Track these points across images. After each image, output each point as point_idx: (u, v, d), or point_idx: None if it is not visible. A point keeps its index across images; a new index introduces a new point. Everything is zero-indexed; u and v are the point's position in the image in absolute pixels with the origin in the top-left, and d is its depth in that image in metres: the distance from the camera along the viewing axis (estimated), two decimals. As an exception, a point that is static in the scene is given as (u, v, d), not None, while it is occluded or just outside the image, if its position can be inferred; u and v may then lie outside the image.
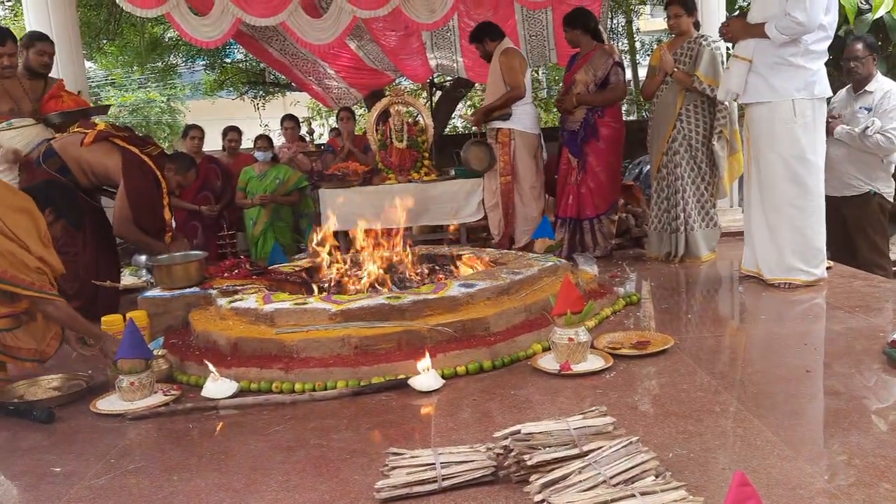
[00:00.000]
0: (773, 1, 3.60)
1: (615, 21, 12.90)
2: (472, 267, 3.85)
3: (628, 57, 14.09)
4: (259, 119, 13.48)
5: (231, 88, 13.32)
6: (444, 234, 5.92)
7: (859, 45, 4.49)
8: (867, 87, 4.48)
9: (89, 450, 2.35)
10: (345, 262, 3.94)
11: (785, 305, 3.53)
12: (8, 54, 4.21)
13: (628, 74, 13.57)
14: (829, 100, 4.93)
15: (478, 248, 4.65)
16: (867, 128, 4.34)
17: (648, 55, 13.07)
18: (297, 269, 3.99)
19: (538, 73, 14.61)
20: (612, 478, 1.70)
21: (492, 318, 3.03)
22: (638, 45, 15.04)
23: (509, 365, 2.86)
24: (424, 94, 12.30)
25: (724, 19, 5.36)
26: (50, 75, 4.57)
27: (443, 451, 1.95)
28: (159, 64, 13.12)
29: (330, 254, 3.91)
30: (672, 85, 4.63)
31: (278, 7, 5.65)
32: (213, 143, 7.18)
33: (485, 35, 5.26)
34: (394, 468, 1.90)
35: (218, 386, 2.72)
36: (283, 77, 10.35)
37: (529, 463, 1.80)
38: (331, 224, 4.34)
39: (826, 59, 3.72)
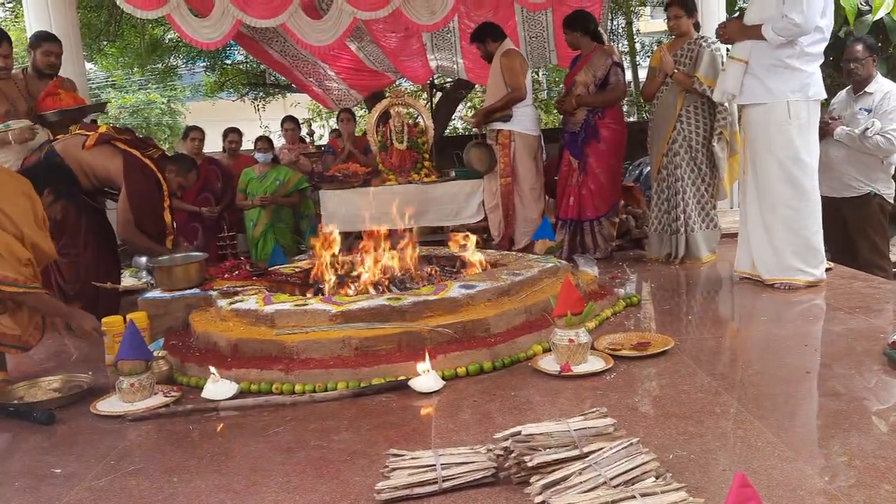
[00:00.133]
0: (770, 3, 3.60)
1: (615, 22, 12.91)
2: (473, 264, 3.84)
3: (628, 58, 14.10)
4: (259, 120, 13.49)
5: (231, 90, 13.34)
6: (445, 235, 5.92)
7: (859, 47, 4.50)
8: (867, 89, 4.49)
9: (89, 451, 2.35)
10: (345, 264, 3.94)
11: (785, 306, 3.53)
12: (2, 56, 4.20)
13: (629, 76, 13.58)
14: (829, 101, 4.94)
15: (478, 249, 4.65)
16: (867, 129, 4.34)
17: (648, 56, 13.08)
18: (297, 270, 4.00)
19: (538, 75, 14.62)
20: (612, 479, 1.70)
21: (492, 319, 3.03)
22: (638, 46, 15.05)
23: (510, 366, 2.86)
24: (425, 95, 12.31)
25: (724, 20, 5.35)
26: (59, 74, 4.57)
27: (443, 452, 1.95)
28: (160, 65, 13.12)
29: (330, 255, 3.91)
30: (672, 86, 4.63)
31: (278, 8, 5.66)
32: (213, 145, 7.18)
33: (486, 35, 5.27)
34: (394, 469, 1.90)
35: (218, 387, 2.72)
36: (283, 78, 10.36)
37: (530, 464, 1.80)
38: (331, 225, 4.35)
39: (821, 61, 3.73)
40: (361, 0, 5.70)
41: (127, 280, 4.95)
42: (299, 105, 14.71)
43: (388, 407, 2.54)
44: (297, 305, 3.10)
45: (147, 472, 2.15)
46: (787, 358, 2.78)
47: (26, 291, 2.88)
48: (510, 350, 2.93)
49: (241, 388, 2.76)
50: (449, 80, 10.89)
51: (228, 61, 12.68)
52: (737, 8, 7.86)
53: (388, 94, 6.72)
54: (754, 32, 3.68)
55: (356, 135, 7.21)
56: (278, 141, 7.45)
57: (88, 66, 11.46)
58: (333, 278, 3.75)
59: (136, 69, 13.47)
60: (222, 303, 3.30)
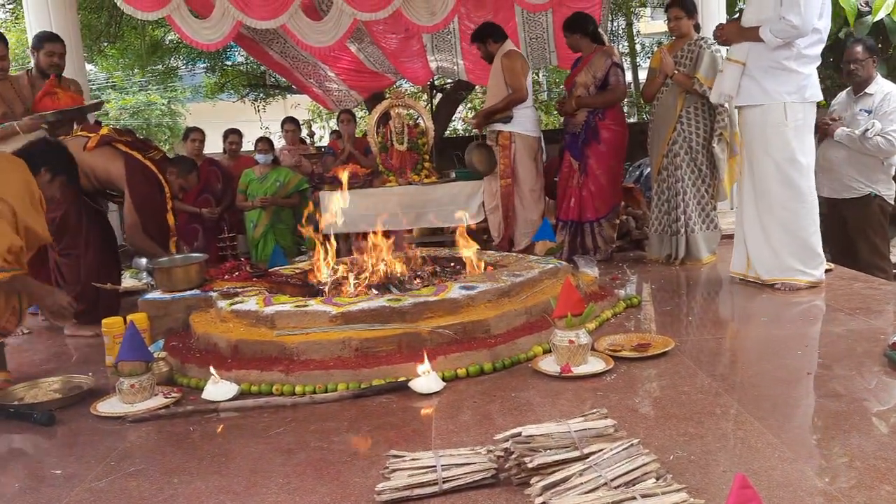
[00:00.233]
0: (767, 4, 3.61)
1: (615, 23, 12.92)
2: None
3: (629, 59, 14.10)
4: (259, 121, 13.50)
5: (231, 91, 13.34)
6: (445, 237, 5.93)
7: (859, 48, 4.50)
8: (867, 90, 4.49)
9: (90, 452, 2.35)
10: (344, 265, 3.94)
11: (785, 307, 3.53)
12: None
13: (629, 77, 13.58)
14: (829, 102, 4.95)
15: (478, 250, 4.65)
16: (867, 130, 4.34)
17: (649, 58, 13.08)
18: (297, 271, 4.00)
19: (538, 76, 14.63)
20: (612, 480, 1.69)
21: (492, 320, 3.03)
22: (638, 47, 15.05)
23: (510, 367, 2.87)
24: (425, 96, 12.32)
25: (721, 22, 5.36)
26: (63, 75, 4.58)
27: (443, 453, 1.95)
28: (160, 67, 13.13)
29: (329, 256, 3.91)
30: (672, 87, 4.63)
31: (279, 10, 5.66)
32: (213, 146, 7.18)
33: (488, 36, 5.26)
34: (394, 470, 1.90)
35: (218, 388, 2.72)
36: (283, 80, 10.36)
37: (530, 465, 1.80)
38: (331, 227, 4.35)
39: (818, 63, 3.74)
40: (362, 1, 5.70)
41: (127, 281, 4.95)
42: (299, 106, 14.72)
43: (389, 408, 2.54)
44: (297, 306, 3.10)
45: (147, 473, 2.15)
46: (787, 359, 2.78)
47: (13, 275, 2.90)
48: (510, 351, 2.93)
49: (241, 389, 2.76)
50: (449, 81, 10.89)
51: (229, 62, 12.68)
52: (737, 9, 7.87)
53: (388, 96, 6.72)
54: (752, 34, 3.69)
55: (356, 136, 7.21)
56: (278, 142, 7.45)
57: (89, 67, 11.45)
58: (333, 279, 3.75)
59: (136, 70, 13.48)
60: (222, 304, 3.30)
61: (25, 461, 2.38)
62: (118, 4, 5.47)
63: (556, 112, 8.47)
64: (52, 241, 4.01)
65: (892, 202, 4.56)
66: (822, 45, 3.72)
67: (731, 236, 5.14)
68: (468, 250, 3.88)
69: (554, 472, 1.77)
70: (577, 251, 5.00)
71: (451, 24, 7.09)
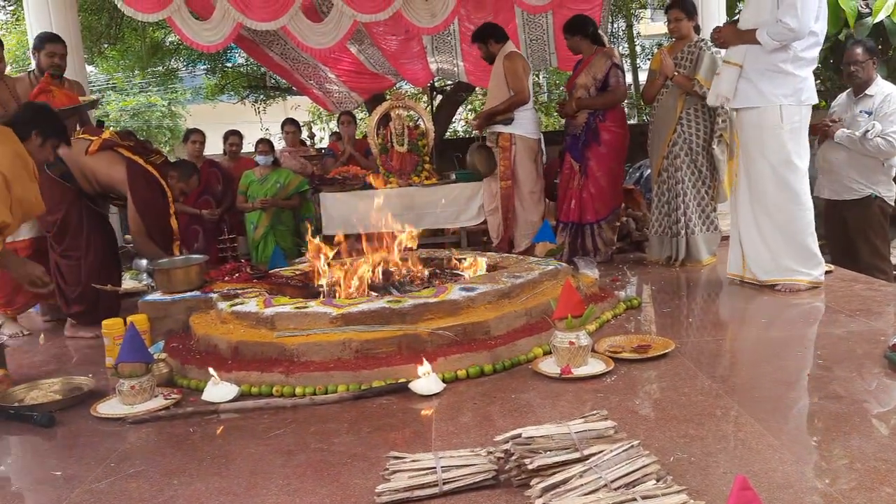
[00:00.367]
0: (764, 7, 3.62)
1: (616, 25, 12.93)
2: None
3: (629, 61, 14.11)
4: (260, 123, 13.51)
5: (232, 92, 13.34)
6: (445, 238, 5.93)
7: (859, 49, 4.50)
8: (867, 91, 4.49)
9: (90, 453, 2.35)
10: (344, 266, 3.94)
11: (785, 309, 3.53)
12: None
13: (629, 79, 13.59)
14: (829, 104, 4.95)
15: (479, 251, 4.66)
16: (868, 131, 4.34)
17: (649, 59, 13.09)
18: (297, 272, 4.00)
19: (538, 77, 14.63)
20: (613, 482, 1.69)
21: (493, 321, 3.03)
22: (638, 49, 15.06)
23: (510, 369, 2.87)
24: (425, 98, 12.32)
25: (718, 25, 5.36)
26: (65, 76, 4.57)
27: (444, 454, 1.95)
28: (160, 68, 13.13)
29: (329, 257, 3.91)
30: (672, 89, 4.64)
31: (279, 11, 5.66)
32: (214, 147, 7.18)
33: (489, 36, 5.26)
34: (394, 472, 1.90)
35: (218, 390, 2.72)
36: (283, 81, 10.37)
37: (530, 467, 1.80)
38: (330, 228, 4.35)
39: (815, 66, 3.75)
40: (362, 3, 5.70)
41: (127, 282, 4.95)
42: (300, 108, 14.73)
43: (389, 409, 2.54)
44: (297, 308, 3.10)
45: (147, 474, 2.15)
46: (787, 360, 2.78)
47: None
48: (510, 352, 2.93)
49: (241, 390, 2.76)
50: (449, 82, 10.90)
51: (229, 64, 12.69)
52: (737, 11, 7.87)
53: (388, 97, 6.72)
54: (749, 37, 3.70)
55: (357, 137, 7.21)
56: (279, 143, 7.45)
57: (89, 68, 11.46)
58: (333, 281, 3.75)
59: (136, 72, 13.48)
60: (223, 305, 3.30)
61: (25, 462, 2.38)
62: (118, 6, 5.48)
63: (556, 114, 8.47)
64: (54, 242, 4.02)
65: (893, 203, 4.56)
66: (819, 48, 3.73)
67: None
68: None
69: (554, 473, 1.77)
70: (577, 253, 5.00)
71: (452, 25, 7.09)
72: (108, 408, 2.72)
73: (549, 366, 2.78)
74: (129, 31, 10.81)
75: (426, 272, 3.88)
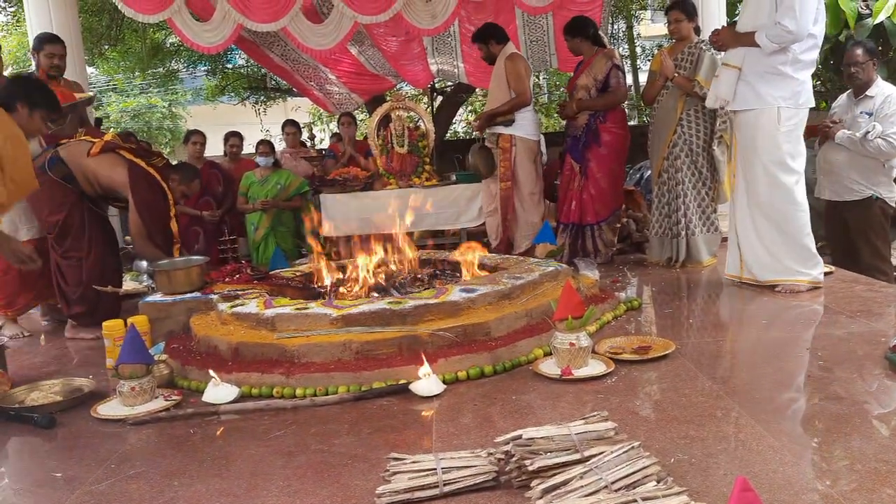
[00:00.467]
0: (763, 10, 3.62)
1: (616, 26, 12.95)
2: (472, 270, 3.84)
3: (629, 62, 14.12)
4: (260, 124, 13.52)
5: (232, 94, 13.36)
6: (445, 239, 5.93)
7: (859, 51, 4.50)
8: (868, 92, 4.49)
9: (90, 455, 2.35)
10: (344, 267, 3.94)
11: (786, 310, 3.53)
12: None
13: (629, 80, 13.60)
14: (829, 105, 4.95)
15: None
16: (868, 132, 4.34)
17: (649, 60, 13.10)
18: (298, 274, 4.00)
19: (539, 79, 14.64)
20: (613, 483, 1.69)
21: (493, 322, 3.03)
22: (638, 50, 15.08)
23: (510, 370, 2.86)
24: (425, 99, 12.33)
25: (725, 24, 5.36)
26: (65, 76, 4.57)
27: (444, 456, 1.95)
28: (161, 69, 13.16)
29: (330, 258, 3.92)
30: (673, 90, 4.64)
31: (279, 12, 5.67)
32: (214, 149, 7.19)
33: (490, 37, 5.25)
34: (395, 473, 1.90)
35: (219, 391, 2.72)
36: (284, 82, 10.37)
37: (531, 468, 1.80)
38: (330, 229, 4.35)
39: (813, 69, 3.75)
40: (362, 4, 5.71)
41: (128, 283, 4.96)
42: (300, 109, 14.75)
43: (389, 410, 2.54)
44: (297, 309, 3.10)
45: (147, 475, 2.15)
46: (788, 362, 2.77)
47: None
48: (511, 354, 2.93)
49: (241, 391, 2.76)
50: (450, 83, 10.91)
51: (229, 65, 12.71)
52: (737, 12, 7.87)
53: (388, 98, 6.72)
54: (747, 39, 3.70)
55: (357, 139, 7.21)
56: (279, 145, 7.46)
57: (90, 69, 11.46)
58: (334, 282, 3.75)
59: (137, 73, 13.50)
60: (223, 306, 3.30)
61: (26, 464, 2.38)
62: (119, 7, 5.48)
63: (556, 115, 8.47)
64: (55, 243, 4.02)
65: (894, 204, 4.56)
66: (818, 51, 3.73)
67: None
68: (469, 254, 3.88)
69: (554, 474, 1.76)
70: (577, 254, 5.00)
71: (452, 26, 7.10)
72: (109, 409, 2.72)
73: (549, 367, 2.78)
74: (130, 33, 10.83)
75: (426, 273, 3.88)
